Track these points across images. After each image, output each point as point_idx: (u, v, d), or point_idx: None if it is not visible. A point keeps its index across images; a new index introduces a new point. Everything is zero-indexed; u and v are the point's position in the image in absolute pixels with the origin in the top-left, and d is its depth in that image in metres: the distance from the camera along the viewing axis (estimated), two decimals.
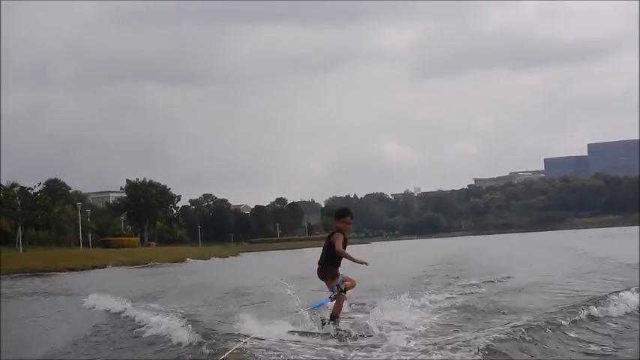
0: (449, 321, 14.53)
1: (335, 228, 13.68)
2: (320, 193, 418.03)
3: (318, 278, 13.83)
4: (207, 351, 11.01)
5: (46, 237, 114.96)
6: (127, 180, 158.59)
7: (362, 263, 13.15)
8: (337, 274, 13.51)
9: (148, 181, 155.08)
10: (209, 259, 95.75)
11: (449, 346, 10.53)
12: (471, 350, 10.03)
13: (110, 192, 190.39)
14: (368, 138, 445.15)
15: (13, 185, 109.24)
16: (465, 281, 24.96)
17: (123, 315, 18.17)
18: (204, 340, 11.79)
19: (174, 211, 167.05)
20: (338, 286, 13.32)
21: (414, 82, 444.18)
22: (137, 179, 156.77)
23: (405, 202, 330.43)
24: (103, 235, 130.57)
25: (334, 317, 13.23)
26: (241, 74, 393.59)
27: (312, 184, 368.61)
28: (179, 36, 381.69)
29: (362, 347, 11.49)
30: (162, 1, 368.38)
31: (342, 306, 13.49)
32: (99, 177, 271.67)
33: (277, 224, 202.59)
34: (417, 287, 22.35)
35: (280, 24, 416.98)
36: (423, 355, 10.14)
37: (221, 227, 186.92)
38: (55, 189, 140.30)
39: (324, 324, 13.18)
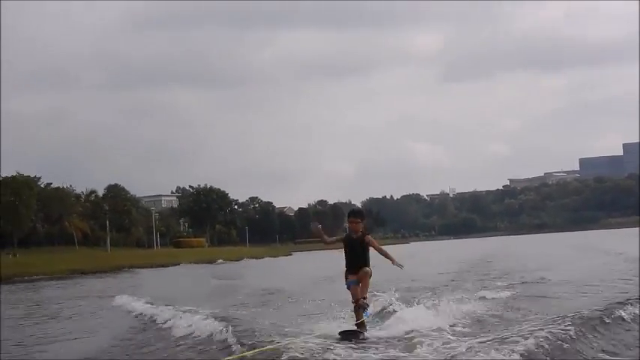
0: (486, 317, 15.15)
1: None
2: (356, 194, 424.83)
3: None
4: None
5: (115, 238, 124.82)
6: (189, 186, 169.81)
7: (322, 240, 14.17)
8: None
9: (209, 186, 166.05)
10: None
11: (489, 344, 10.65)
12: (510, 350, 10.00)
13: (162, 196, 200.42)
14: (400, 140, 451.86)
15: (92, 192, 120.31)
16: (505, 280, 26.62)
17: None
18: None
19: (231, 215, 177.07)
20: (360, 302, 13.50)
21: (443, 84, 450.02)
22: (199, 185, 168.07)
23: (440, 202, 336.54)
24: (167, 237, 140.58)
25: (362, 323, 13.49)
26: (266, 77, 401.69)
27: (347, 186, 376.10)
28: (204, 40, 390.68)
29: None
30: (185, 5, 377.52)
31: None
32: (122, 180, 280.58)
33: (320, 225, 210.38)
34: (468, 281, 25.66)
35: (306, 27, 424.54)
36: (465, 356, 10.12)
37: (267, 228, 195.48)
38: (116, 193, 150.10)
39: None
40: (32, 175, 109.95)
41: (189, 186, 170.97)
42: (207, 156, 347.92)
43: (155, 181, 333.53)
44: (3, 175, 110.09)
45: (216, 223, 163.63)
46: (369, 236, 14.03)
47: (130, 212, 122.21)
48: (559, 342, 10.87)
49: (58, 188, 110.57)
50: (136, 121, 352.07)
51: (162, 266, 76.94)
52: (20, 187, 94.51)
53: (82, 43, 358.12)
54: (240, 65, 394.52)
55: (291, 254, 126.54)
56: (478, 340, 11.34)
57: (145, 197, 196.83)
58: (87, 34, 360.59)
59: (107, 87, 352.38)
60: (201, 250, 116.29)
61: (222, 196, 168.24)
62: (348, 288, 13.69)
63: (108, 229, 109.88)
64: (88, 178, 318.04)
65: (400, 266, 13.83)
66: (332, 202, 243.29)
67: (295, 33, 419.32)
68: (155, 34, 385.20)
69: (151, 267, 75.69)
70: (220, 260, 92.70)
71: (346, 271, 13.84)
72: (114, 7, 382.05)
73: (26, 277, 64.98)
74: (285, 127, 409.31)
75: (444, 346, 11.06)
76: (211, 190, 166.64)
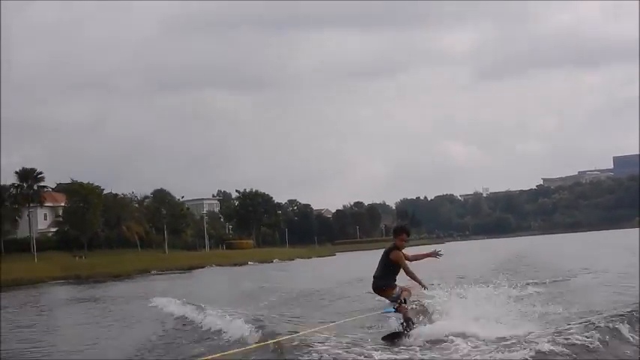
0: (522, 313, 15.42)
1: (394, 244, 14.75)
2: (390, 195, 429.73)
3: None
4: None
5: (161, 240, 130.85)
6: (236, 190, 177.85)
7: (423, 286, 14.68)
8: (394, 286, 14.68)
9: (254, 190, 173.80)
10: None
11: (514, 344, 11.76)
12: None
13: (203, 199, 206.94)
14: (433, 140, 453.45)
15: (146, 197, 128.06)
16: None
17: None
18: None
19: (275, 217, 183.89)
20: (397, 298, 14.57)
21: (477, 84, 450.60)
22: (245, 189, 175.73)
23: (474, 202, 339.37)
24: (212, 239, 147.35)
25: (408, 320, 14.49)
26: (302, 79, 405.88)
27: (380, 187, 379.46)
28: (240, 43, 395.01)
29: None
30: (223, 10, 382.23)
31: (407, 311, 14.69)
32: (163, 184, 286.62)
33: (357, 227, 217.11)
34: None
35: (340, 28, 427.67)
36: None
37: (305, 230, 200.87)
38: (161, 198, 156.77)
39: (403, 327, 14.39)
40: (85, 182, 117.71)
41: (236, 190, 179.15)
42: (244, 159, 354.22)
43: (194, 185, 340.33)
44: (52, 181, 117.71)
45: (261, 225, 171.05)
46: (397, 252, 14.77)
47: (186, 216, 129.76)
48: (583, 343, 11.68)
49: (117, 195, 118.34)
50: (173, 126, 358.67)
51: (220, 265, 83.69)
52: (88, 193, 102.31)
53: (120, 48, 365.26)
54: (275, 68, 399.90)
55: (335, 254, 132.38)
56: (506, 336, 12.73)
57: (187, 201, 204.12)
58: (125, 39, 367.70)
59: (145, 92, 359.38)
60: (253, 250, 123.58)
61: (267, 199, 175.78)
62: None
63: (165, 232, 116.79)
64: (128, 182, 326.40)
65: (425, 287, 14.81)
66: (367, 203, 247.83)
67: (330, 34, 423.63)
68: (193, 37, 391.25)
69: (210, 266, 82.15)
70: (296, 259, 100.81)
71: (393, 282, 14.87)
72: (151, 12, 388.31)
73: (100, 278, 71.40)
74: (315, 129, 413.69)
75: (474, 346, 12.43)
76: (257, 194, 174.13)
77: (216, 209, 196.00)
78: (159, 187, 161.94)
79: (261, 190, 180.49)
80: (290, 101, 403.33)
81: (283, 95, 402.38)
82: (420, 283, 14.51)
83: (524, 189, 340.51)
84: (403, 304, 14.43)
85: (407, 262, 14.57)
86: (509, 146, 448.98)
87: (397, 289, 14.53)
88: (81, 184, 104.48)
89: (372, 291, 15.39)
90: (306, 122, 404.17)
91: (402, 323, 14.38)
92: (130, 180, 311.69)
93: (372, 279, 14.83)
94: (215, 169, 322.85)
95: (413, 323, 14.31)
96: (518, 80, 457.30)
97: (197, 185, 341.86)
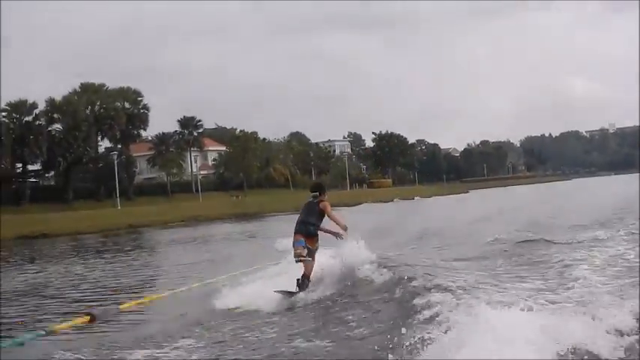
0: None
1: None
2: (514, 133, 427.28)
3: None
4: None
5: (307, 180, 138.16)
6: (372, 132, 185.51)
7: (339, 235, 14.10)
8: (317, 240, 14.12)
9: (390, 132, 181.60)
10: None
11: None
12: None
13: (335, 141, 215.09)
14: (557, 76, 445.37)
15: (289, 140, 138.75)
16: None
17: None
18: None
19: (410, 157, 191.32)
20: (313, 253, 13.94)
21: (601, 17, 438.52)
22: (380, 131, 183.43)
23: (600, 139, 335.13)
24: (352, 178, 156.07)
25: (306, 278, 13.83)
26: (424, 19, 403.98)
27: (505, 124, 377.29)
28: None
29: None
30: None
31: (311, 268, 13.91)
32: (286, 127, 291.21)
33: (484, 165, 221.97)
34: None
35: None
36: None
37: (434, 169, 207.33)
38: (299, 140, 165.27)
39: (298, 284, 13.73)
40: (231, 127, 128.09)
41: (372, 132, 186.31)
42: (369, 100, 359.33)
43: (321, 127, 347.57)
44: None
45: (397, 165, 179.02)
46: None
47: (332, 157, 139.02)
48: None
49: (265, 139, 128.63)
50: (298, 70, 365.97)
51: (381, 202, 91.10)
52: (247, 140, 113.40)
53: None
54: (397, 5, 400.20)
55: (468, 192, 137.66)
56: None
57: (319, 142, 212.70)
58: None
59: (266, 36, 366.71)
60: (394, 189, 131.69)
61: (401, 140, 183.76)
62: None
63: (313, 173, 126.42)
64: (256, 124, 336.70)
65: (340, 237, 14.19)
66: (492, 141, 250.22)
67: None
68: None
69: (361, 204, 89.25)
70: (417, 197, 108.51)
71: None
72: None
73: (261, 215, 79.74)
74: (436, 67, 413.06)
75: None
76: (392, 135, 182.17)
77: (348, 150, 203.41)
78: (294, 131, 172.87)
79: (388, 129, 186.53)
80: (412, 41, 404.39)
81: (405, 35, 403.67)
82: (335, 233, 14.29)
83: None
84: (310, 261, 13.97)
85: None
86: (636, 79, 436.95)
87: (317, 245, 14.20)
88: (242, 132, 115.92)
89: None
90: (430, 62, 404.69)
91: (298, 279, 13.87)
92: (259, 122, 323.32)
93: (300, 224, 14.08)
94: (341, 110, 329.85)
95: (308, 282, 13.89)
96: None
97: (324, 127, 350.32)
